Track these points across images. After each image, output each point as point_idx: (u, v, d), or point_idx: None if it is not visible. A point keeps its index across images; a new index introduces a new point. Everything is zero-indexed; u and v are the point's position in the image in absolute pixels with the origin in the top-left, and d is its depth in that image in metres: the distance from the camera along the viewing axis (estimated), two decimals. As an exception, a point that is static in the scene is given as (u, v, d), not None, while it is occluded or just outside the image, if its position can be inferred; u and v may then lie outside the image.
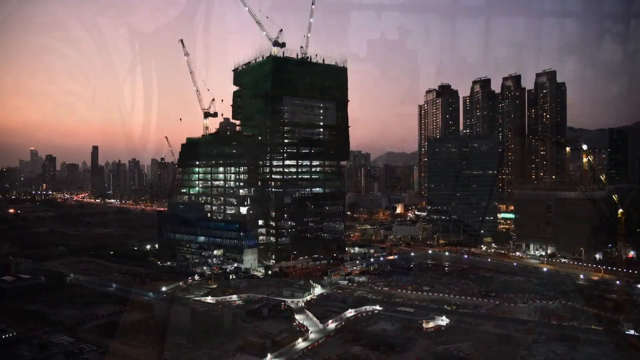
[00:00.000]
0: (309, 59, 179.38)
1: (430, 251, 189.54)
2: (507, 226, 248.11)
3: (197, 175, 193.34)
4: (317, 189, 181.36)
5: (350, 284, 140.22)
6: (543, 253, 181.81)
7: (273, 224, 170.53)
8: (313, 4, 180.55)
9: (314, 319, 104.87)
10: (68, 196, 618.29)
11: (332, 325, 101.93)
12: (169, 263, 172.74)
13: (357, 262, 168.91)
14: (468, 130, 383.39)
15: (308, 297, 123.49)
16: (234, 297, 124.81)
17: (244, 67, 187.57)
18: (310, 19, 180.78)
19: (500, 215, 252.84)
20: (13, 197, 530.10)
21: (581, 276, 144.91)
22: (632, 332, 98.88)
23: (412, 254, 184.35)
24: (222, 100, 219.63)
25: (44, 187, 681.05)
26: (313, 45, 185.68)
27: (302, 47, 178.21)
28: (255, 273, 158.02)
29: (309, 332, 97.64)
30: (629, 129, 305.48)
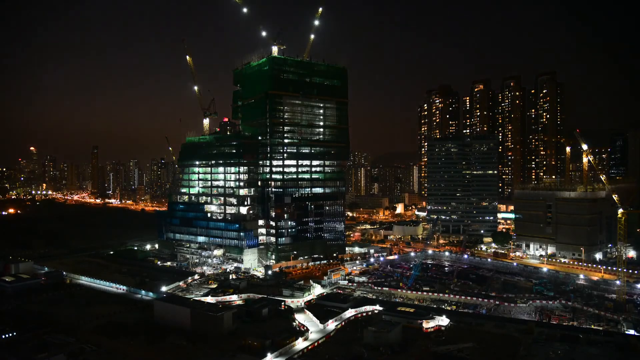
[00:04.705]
0: (309, 59, 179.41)
1: (430, 251, 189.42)
2: (507, 226, 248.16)
3: (197, 175, 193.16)
4: (317, 189, 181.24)
5: (350, 284, 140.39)
6: (543, 253, 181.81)
7: (273, 224, 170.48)
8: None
9: (314, 319, 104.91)
10: (68, 196, 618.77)
11: (332, 325, 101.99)
12: (169, 263, 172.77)
13: (357, 262, 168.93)
14: (468, 130, 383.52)
15: (308, 297, 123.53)
16: (234, 297, 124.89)
17: (244, 67, 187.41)
18: (316, 21, 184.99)
19: (500, 215, 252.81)
20: (13, 197, 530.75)
21: (581, 276, 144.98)
22: (632, 332, 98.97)
23: (412, 254, 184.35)
24: (214, 98, 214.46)
25: (44, 187, 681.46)
26: (313, 45, 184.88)
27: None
28: (255, 273, 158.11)
29: (309, 332, 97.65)
30: (629, 129, 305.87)
